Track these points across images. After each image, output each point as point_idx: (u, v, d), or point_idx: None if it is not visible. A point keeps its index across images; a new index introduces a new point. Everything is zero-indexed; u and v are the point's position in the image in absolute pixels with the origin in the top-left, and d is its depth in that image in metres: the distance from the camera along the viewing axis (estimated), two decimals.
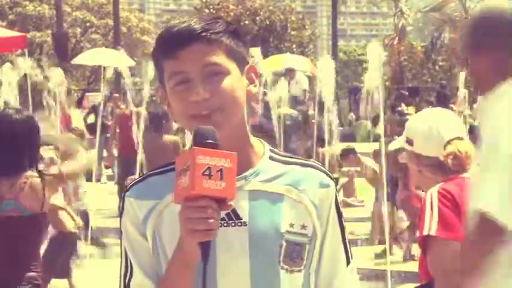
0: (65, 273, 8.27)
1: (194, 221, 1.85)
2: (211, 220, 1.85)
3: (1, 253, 4.54)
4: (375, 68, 9.11)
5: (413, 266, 3.48)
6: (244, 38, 2.12)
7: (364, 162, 10.91)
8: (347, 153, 11.31)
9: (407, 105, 20.29)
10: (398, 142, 3.72)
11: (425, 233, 3.25)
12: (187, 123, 2.02)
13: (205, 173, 1.84)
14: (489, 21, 2.95)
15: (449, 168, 3.40)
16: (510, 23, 2.90)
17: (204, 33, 1.99)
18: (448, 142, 3.42)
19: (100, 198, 12.51)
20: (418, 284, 3.60)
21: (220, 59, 2.00)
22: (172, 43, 2.00)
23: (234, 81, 2.01)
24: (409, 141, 3.55)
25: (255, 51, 14.22)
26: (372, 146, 12.34)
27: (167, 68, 2.03)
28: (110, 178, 17.81)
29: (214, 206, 1.86)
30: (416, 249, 9.16)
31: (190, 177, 1.84)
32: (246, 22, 41.22)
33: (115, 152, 16.93)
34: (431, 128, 3.48)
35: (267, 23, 42.52)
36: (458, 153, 3.39)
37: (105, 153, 18.62)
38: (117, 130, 14.84)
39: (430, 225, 3.23)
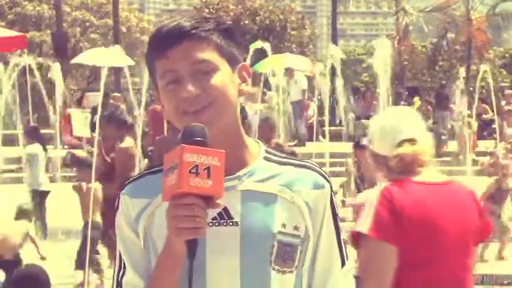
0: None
1: (180, 219, 1.85)
2: (198, 218, 1.84)
3: None
4: (381, 66, 9.10)
5: None
6: (238, 36, 2.10)
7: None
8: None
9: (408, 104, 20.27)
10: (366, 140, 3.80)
11: (358, 228, 3.30)
12: (178, 120, 2.00)
13: (192, 171, 1.82)
14: None
15: (393, 169, 3.41)
16: None
17: (193, 31, 1.99)
18: (399, 144, 3.43)
19: None
20: None
21: (209, 56, 2.00)
22: (163, 42, 2.01)
23: (224, 78, 2.01)
24: (370, 140, 3.61)
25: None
26: None
27: (158, 67, 2.03)
28: None
29: (201, 204, 1.85)
30: None
31: (177, 175, 1.83)
32: (246, 22, 41.21)
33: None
34: (385, 127, 3.51)
35: (267, 23, 42.50)
36: (403, 156, 3.40)
37: None
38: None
39: (364, 223, 3.27)
